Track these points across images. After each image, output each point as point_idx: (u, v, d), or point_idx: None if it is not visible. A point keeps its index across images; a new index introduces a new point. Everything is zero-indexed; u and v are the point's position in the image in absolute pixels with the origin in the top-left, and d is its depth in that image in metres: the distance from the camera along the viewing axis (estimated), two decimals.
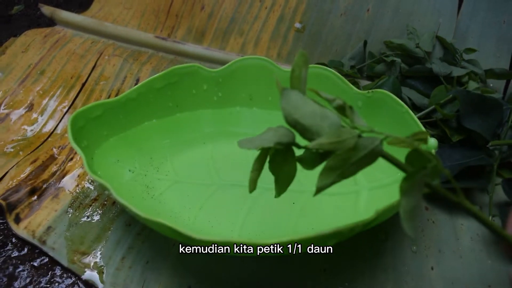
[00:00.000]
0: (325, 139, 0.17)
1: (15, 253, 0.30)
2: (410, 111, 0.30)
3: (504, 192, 0.31)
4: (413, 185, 0.16)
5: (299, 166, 0.35)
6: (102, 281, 0.28)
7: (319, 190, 0.17)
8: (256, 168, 0.20)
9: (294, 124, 0.18)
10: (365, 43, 0.44)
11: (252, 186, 0.20)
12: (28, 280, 0.29)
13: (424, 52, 0.41)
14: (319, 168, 0.35)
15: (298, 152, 0.20)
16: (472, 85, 0.38)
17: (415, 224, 0.17)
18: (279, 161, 0.20)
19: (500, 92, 0.41)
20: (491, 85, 0.42)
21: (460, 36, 0.44)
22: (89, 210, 0.32)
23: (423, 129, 0.29)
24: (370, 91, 0.32)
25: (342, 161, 0.17)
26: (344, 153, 0.17)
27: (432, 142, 0.27)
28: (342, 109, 0.18)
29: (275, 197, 0.21)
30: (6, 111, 0.40)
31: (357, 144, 0.17)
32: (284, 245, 0.22)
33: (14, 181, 0.34)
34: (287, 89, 0.19)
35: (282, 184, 0.21)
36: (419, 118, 0.35)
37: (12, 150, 0.37)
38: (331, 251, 0.29)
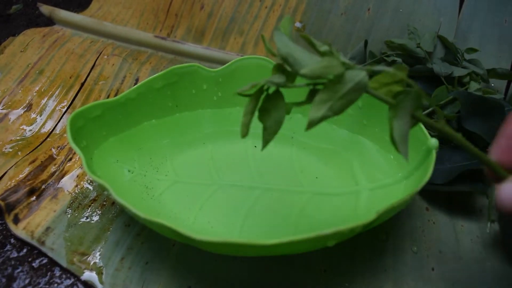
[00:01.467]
0: (316, 65, 0.18)
1: (14, 254, 0.30)
2: None
3: None
4: (400, 111, 0.18)
5: (297, 165, 0.35)
6: (101, 282, 0.28)
7: (311, 123, 0.18)
8: (248, 111, 0.21)
9: (286, 56, 0.19)
10: (366, 42, 0.44)
11: (245, 130, 0.21)
12: (27, 281, 0.28)
13: (425, 52, 0.41)
14: (319, 171, 0.35)
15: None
16: (474, 86, 0.38)
17: (407, 148, 0.19)
18: (268, 108, 0.21)
19: (501, 93, 0.41)
20: (493, 85, 0.42)
21: (461, 36, 0.44)
22: (88, 210, 0.32)
23: (424, 129, 0.29)
24: None
25: (331, 94, 0.18)
26: (332, 84, 0.18)
27: (433, 142, 0.27)
28: (330, 53, 0.19)
29: (262, 148, 0.21)
30: (4, 111, 0.40)
31: (344, 76, 0.18)
32: (284, 246, 0.22)
33: (13, 181, 0.33)
34: (279, 31, 0.20)
35: (269, 131, 0.21)
36: None
37: (10, 150, 0.36)
38: (331, 251, 0.29)
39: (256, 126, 0.37)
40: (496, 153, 0.19)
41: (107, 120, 0.32)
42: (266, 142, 0.21)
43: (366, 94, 0.32)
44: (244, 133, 0.21)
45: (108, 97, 0.42)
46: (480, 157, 0.19)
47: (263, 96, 0.21)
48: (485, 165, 0.19)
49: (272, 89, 0.21)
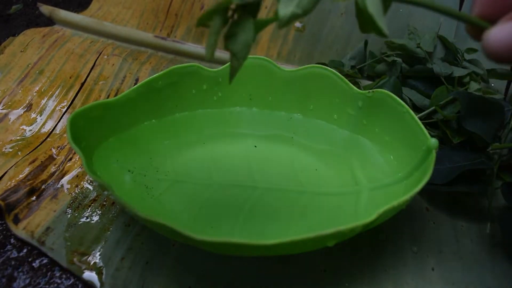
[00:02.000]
0: None
1: (14, 254, 0.30)
2: (411, 111, 0.30)
3: (503, 196, 0.31)
4: None
5: (297, 165, 0.35)
6: (101, 282, 0.28)
7: (281, 20, 0.17)
8: (213, 31, 0.18)
9: None
10: (366, 43, 0.44)
11: (210, 51, 0.19)
12: (27, 281, 0.28)
13: (425, 52, 0.41)
14: (319, 171, 0.35)
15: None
16: (474, 86, 0.38)
17: (385, 21, 0.18)
18: (236, 32, 0.19)
19: (501, 93, 0.41)
20: (493, 85, 0.42)
21: (461, 36, 0.44)
22: (88, 210, 0.32)
23: (424, 129, 0.29)
24: (370, 91, 0.32)
25: None
26: None
27: (433, 142, 0.27)
28: None
29: (230, 81, 0.19)
30: (4, 111, 0.40)
31: None
32: (284, 246, 0.22)
33: (13, 181, 0.33)
34: None
35: (239, 56, 0.19)
36: (420, 118, 0.35)
37: (10, 150, 0.36)
38: (331, 251, 0.29)
39: (256, 126, 0.37)
40: (478, 7, 0.19)
41: (107, 120, 0.32)
42: (234, 69, 0.19)
43: (366, 94, 0.32)
44: (210, 55, 0.18)
45: (108, 97, 0.42)
46: (457, 15, 0.19)
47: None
48: (465, 22, 0.19)
49: (238, 14, 0.19)
